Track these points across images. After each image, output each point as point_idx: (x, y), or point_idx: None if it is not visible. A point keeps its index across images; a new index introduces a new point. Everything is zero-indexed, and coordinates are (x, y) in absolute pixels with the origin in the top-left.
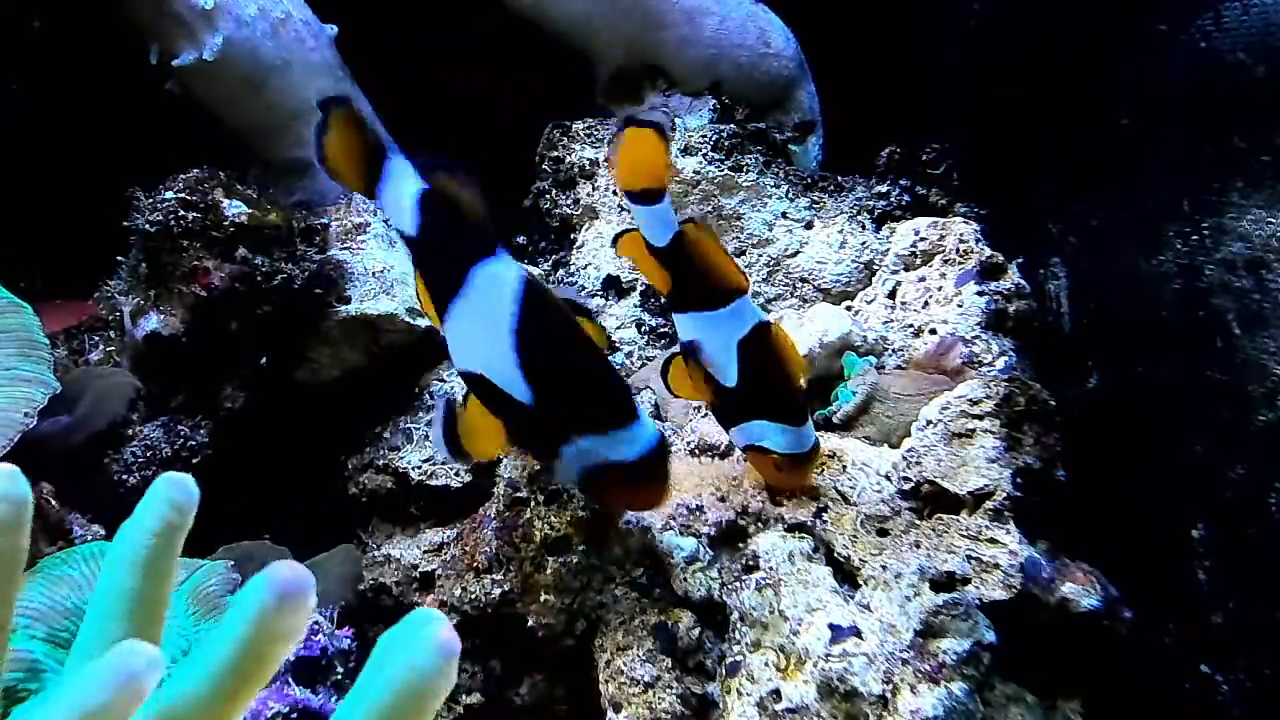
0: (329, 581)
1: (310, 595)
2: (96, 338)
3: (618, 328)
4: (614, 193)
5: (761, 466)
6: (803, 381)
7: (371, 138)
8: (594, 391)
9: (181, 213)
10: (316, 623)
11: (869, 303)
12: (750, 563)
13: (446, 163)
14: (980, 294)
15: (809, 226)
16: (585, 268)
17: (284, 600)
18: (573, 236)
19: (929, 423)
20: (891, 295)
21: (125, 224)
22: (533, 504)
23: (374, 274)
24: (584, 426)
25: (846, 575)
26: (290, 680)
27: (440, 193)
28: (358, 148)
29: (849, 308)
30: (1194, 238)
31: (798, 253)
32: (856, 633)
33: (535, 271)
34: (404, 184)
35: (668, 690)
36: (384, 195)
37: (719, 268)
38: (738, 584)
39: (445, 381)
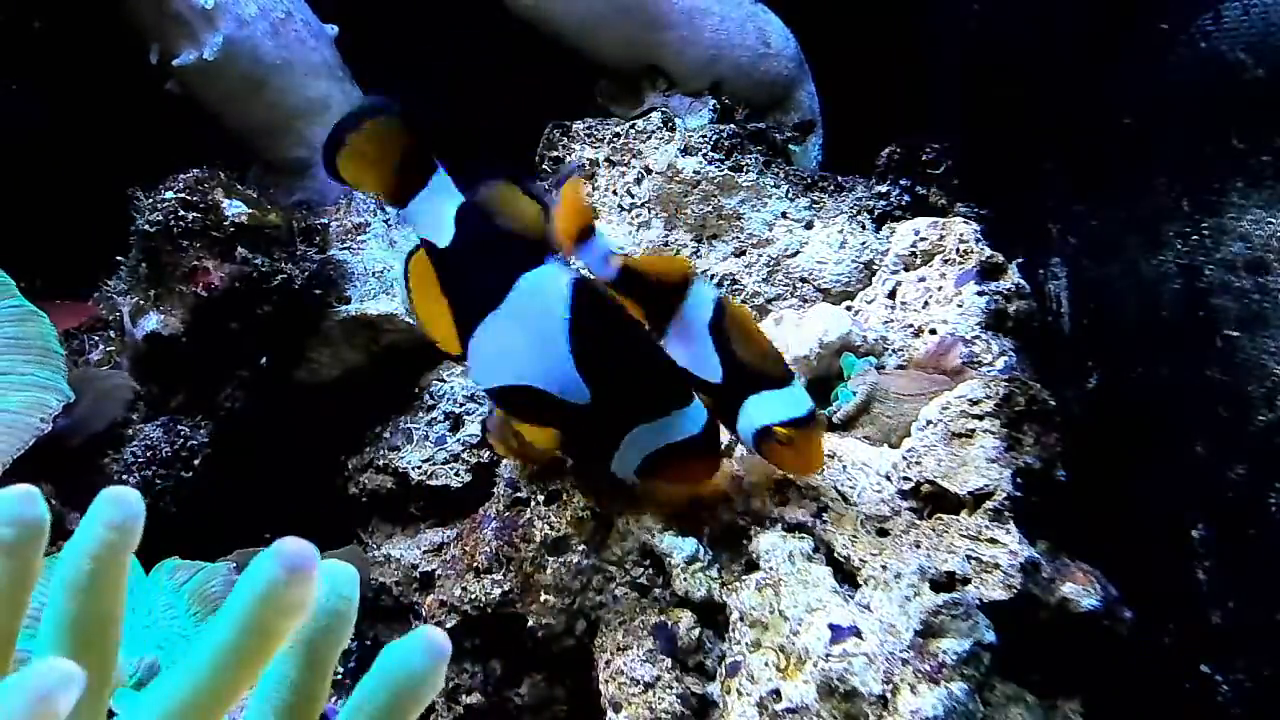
0: None
1: (315, 569)
2: (96, 338)
3: None
4: (614, 192)
5: (774, 454)
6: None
7: (421, 151)
8: (655, 378)
9: (181, 213)
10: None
11: (869, 303)
12: (750, 563)
13: (494, 173)
14: (980, 294)
15: (809, 226)
16: (585, 268)
17: (293, 573)
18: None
19: (929, 423)
20: (891, 295)
21: (126, 224)
22: (533, 504)
23: (374, 274)
24: (647, 414)
25: (846, 575)
26: None
27: (482, 207)
28: (398, 157)
29: (849, 308)
30: (1194, 238)
31: (798, 253)
32: (856, 633)
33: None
34: (444, 198)
35: (668, 690)
36: (418, 207)
37: (659, 272)
38: (738, 584)
39: (445, 381)
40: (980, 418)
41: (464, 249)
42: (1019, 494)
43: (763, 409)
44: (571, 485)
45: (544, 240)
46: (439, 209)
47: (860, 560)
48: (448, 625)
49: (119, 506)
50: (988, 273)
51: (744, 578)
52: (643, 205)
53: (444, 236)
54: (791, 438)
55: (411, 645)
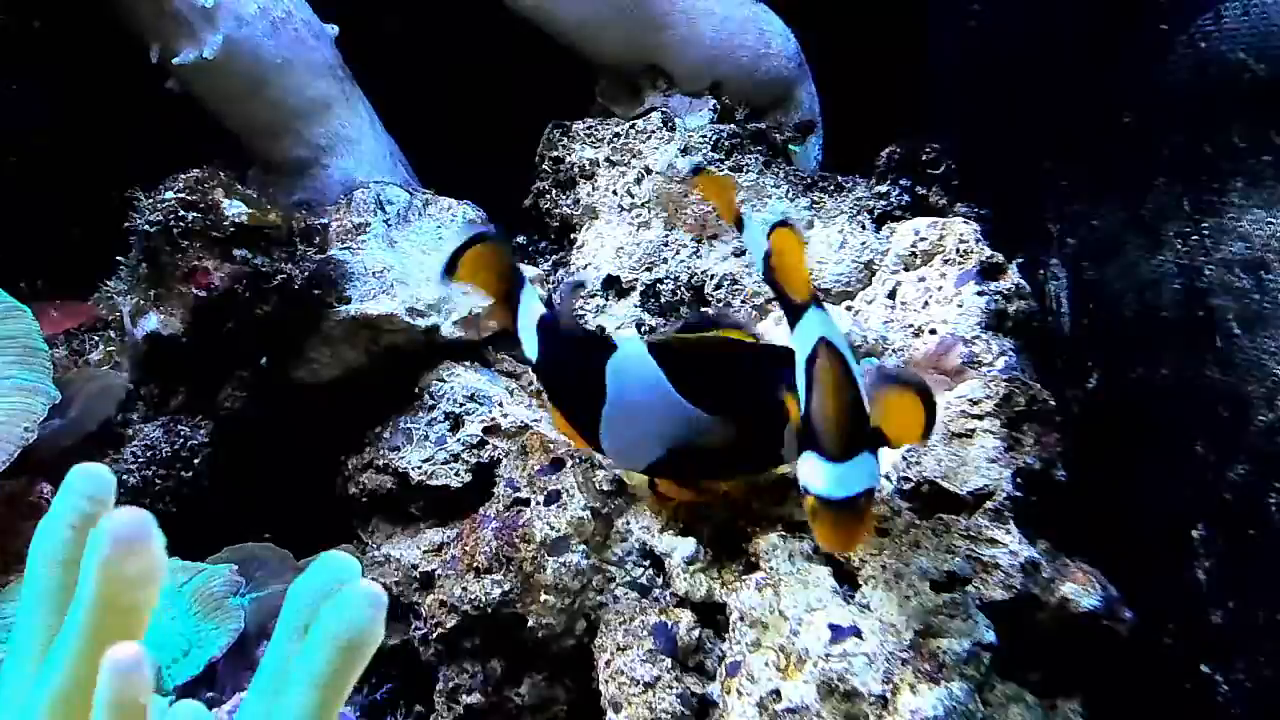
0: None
1: (153, 535)
2: (96, 338)
3: (618, 327)
4: (614, 192)
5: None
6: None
7: (511, 270)
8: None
9: (181, 213)
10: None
11: (869, 303)
12: (750, 563)
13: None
14: (980, 294)
15: (809, 226)
16: (585, 268)
17: (126, 545)
18: (573, 236)
19: None
20: (891, 295)
21: (125, 224)
22: (533, 504)
23: (374, 274)
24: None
25: (846, 575)
26: None
27: (558, 317)
28: (498, 279)
29: (849, 308)
30: (1194, 238)
31: None
32: (856, 633)
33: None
34: (530, 314)
35: (668, 690)
36: (522, 331)
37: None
38: (738, 584)
39: (445, 381)
40: (980, 418)
41: (550, 361)
42: (1019, 494)
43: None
44: (572, 485)
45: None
46: (528, 326)
47: (860, 560)
48: (448, 625)
49: (91, 479)
50: (988, 273)
51: (744, 578)
52: (643, 205)
53: (533, 351)
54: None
55: (352, 599)
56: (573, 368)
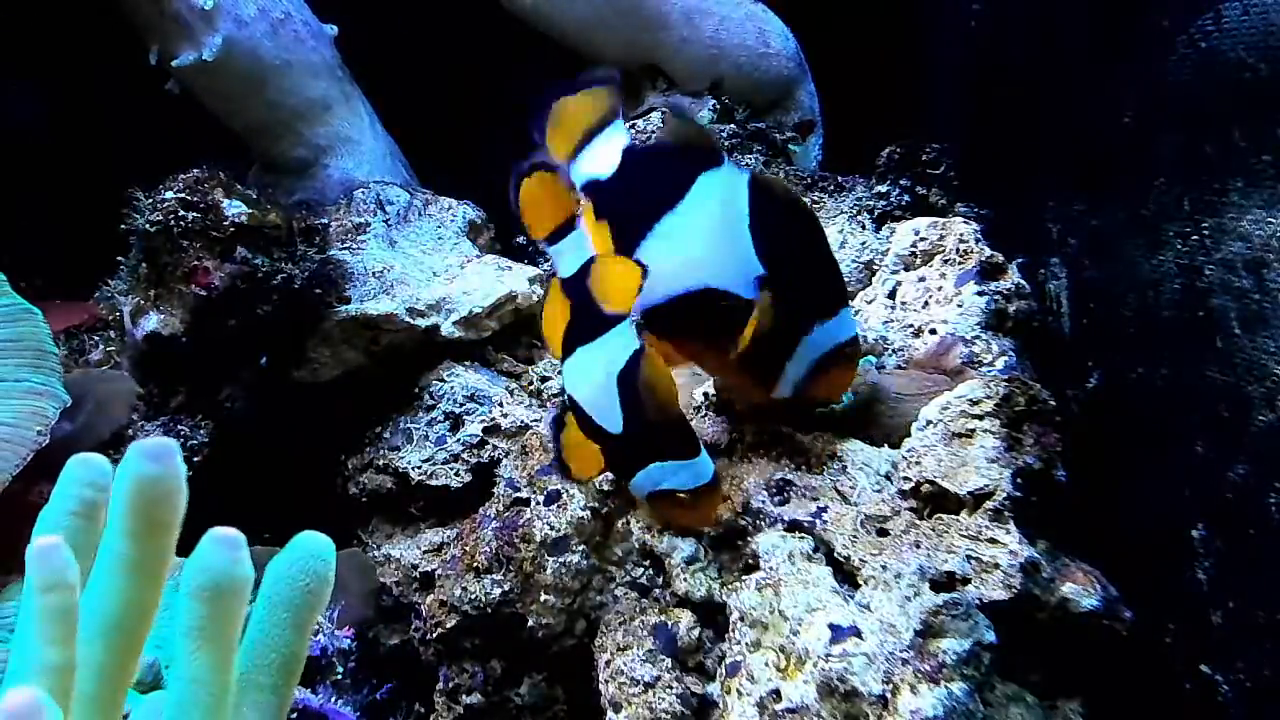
0: (349, 596)
1: (177, 453)
2: (97, 338)
3: None
4: None
5: (667, 511)
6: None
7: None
8: (830, 273)
9: (181, 213)
10: (317, 622)
11: (869, 302)
12: (750, 563)
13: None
14: (980, 294)
15: None
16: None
17: (156, 460)
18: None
19: (929, 423)
20: (891, 295)
21: (124, 224)
22: (533, 504)
23: (374, 274)
24: (822, 313)
25: (846, 575)
26: None
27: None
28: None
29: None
30: (1194, 238)
31: None
32: (856, 633)
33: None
34: (614, 140)
35: (668, 690)
36: (588, 154)
37: (600, 292)
38: (738, 584)
39: (445, 381)
40: (980, 418)
41: (635, 165)
42: (1019, 494)
43: (665, 475)
44: (572, 485)
45: (714, 148)
46: (609, 149)
47: (860, 560)
48: (448, 625)
49: (90, 467)
50: (988, 273)
51: (744, 578)
52: None
53: (609, 170)
54: (687, 503)
55: (305, 546)
56: (661, 170)
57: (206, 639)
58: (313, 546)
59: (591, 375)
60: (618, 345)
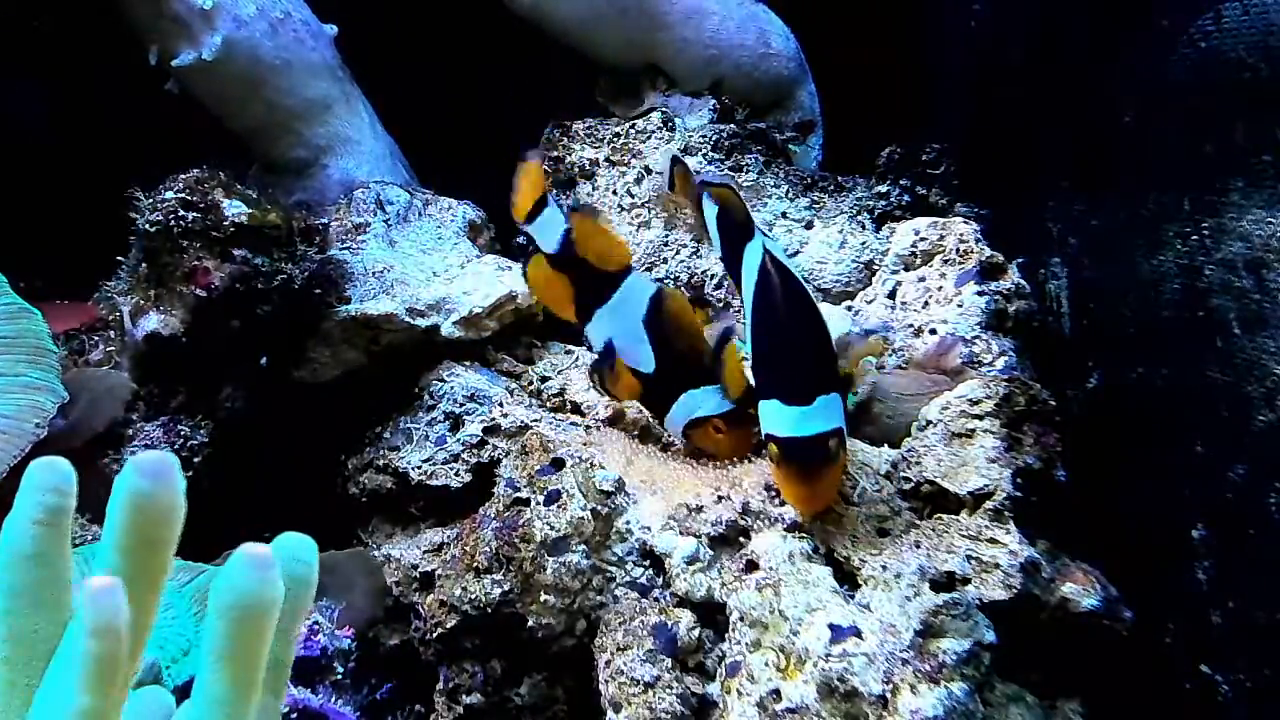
0: (357, 595)
1: (176, 470)
2: (96, 338)
3: None
4: (614, 192)
5: (704, 439)
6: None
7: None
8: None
9: (181, 213)
10: (316, 623)
11: (869, 303)
12: (750, 563)
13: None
14: (980, 294)
15: (809, 226)
16: (535, 237)
17: (154, 477)
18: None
19: (929, 423)
20: (891, 295)
21: (125, 224)
22: (533, 504)
23: (374, 274)
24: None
25: (846, 575)
26: (289, 680)
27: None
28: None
29: (849, 308)
30: (1194, 238)
31: (797, 253)
32: (856, 633)
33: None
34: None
35: (668, 690)
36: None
37: (598, 255)
38: (738, 584)
39: (445, 381)
40: (980, 418)
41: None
42: (1019, 494)
43: (699, 401)
44: (572, 486)
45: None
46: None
47: (860, 560)
48: (448, 625)
49: (53, 471)
50: (988, 272)
51: (744, 578)
52: (643, 205)
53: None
54: (723, 429)
55: (285, 549)
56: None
57: (230, 659)
58: (293, 549)
59: (619, 326)
60: (635, 294)
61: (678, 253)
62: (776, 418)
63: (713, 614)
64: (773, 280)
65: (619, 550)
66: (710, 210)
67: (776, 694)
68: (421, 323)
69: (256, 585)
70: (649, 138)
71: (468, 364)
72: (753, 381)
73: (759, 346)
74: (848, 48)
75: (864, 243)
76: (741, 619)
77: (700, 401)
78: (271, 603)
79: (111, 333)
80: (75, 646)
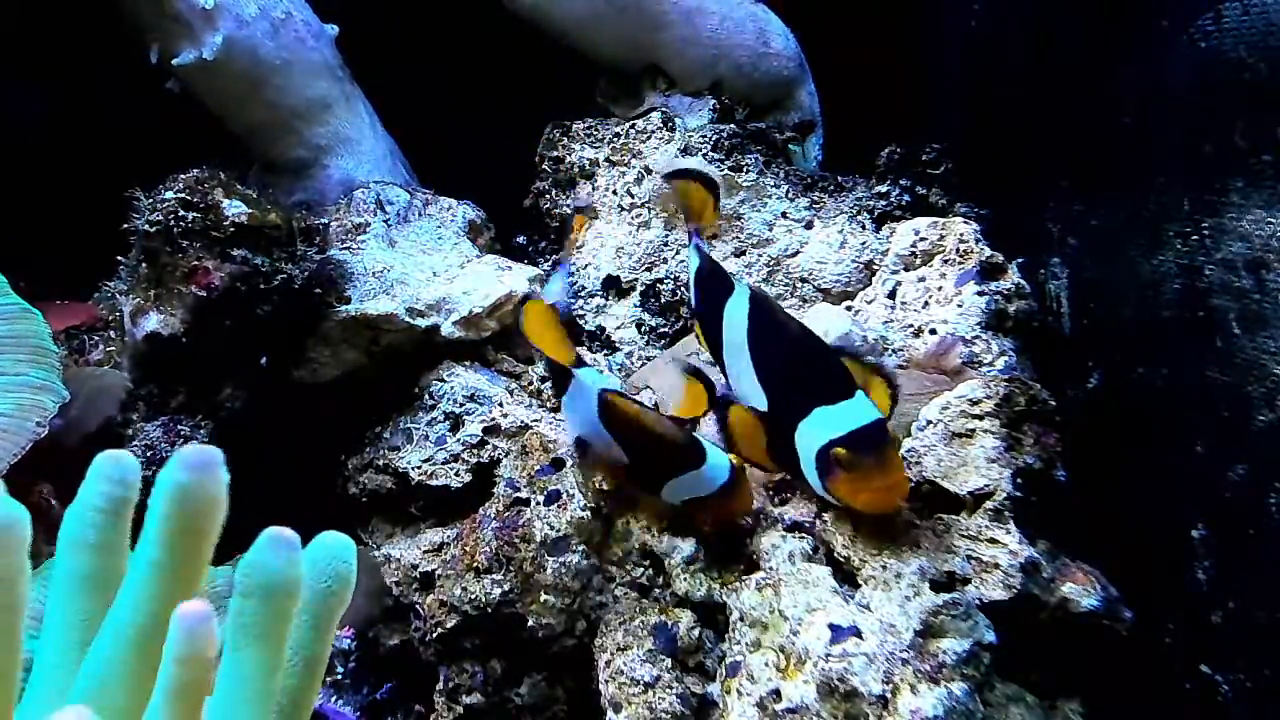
0: (356, 595)
1: (220, 464)
2: (97, 338)
3: (618, 327)
4: (614, 192)
5: (700, 514)
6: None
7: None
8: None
9: (181, 213)
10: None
11: (869, 303)
12: (750, 563)
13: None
14: (980, 294)
15: (809, 226)
16: (585, 268)
17: (199, 469)
18: (573, 236)
19: (929, 423)
20: (891, 295)
21: (125, 224)
22: (533, 504)
23: (374, 274)
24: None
25: (846, 575)
26: None
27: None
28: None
29: (849, 308)
30: (1194, 238)
31: (798, 253)
32: (856, 633)
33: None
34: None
35: (668, 690)
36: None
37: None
38: (738, 584)
39: (445, 381)
40: (980, 418)
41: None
42: (1019, 494)
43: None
44: (572, 486)
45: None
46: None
47: (860, 560)
48: (448, 625)
49: (119, 464)
50: (988, 273)
51: (744, 578)
52: (643, 205)
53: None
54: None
55: (326, 547)
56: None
57: (255, 637)
58: (334, 547)
59: (580, 421)
60: (583, 394)
61: (678, 253)
62: (828, 422)
63: (713, 614)
64: (769, 304)
65: (619, 550)
66: (693, 262)
67: (776, 694)
68: (421, 323)
69: (283, 566)
70: (649, 138)
71: (468, 364)
72: (772, 413)
73: (776, 372)
74: (848, 48)
75: (864, 243)
76: (741, 619)
77: (683, 489)
78: (295, 584)
79: (112, 332)
80: (166, 671)
